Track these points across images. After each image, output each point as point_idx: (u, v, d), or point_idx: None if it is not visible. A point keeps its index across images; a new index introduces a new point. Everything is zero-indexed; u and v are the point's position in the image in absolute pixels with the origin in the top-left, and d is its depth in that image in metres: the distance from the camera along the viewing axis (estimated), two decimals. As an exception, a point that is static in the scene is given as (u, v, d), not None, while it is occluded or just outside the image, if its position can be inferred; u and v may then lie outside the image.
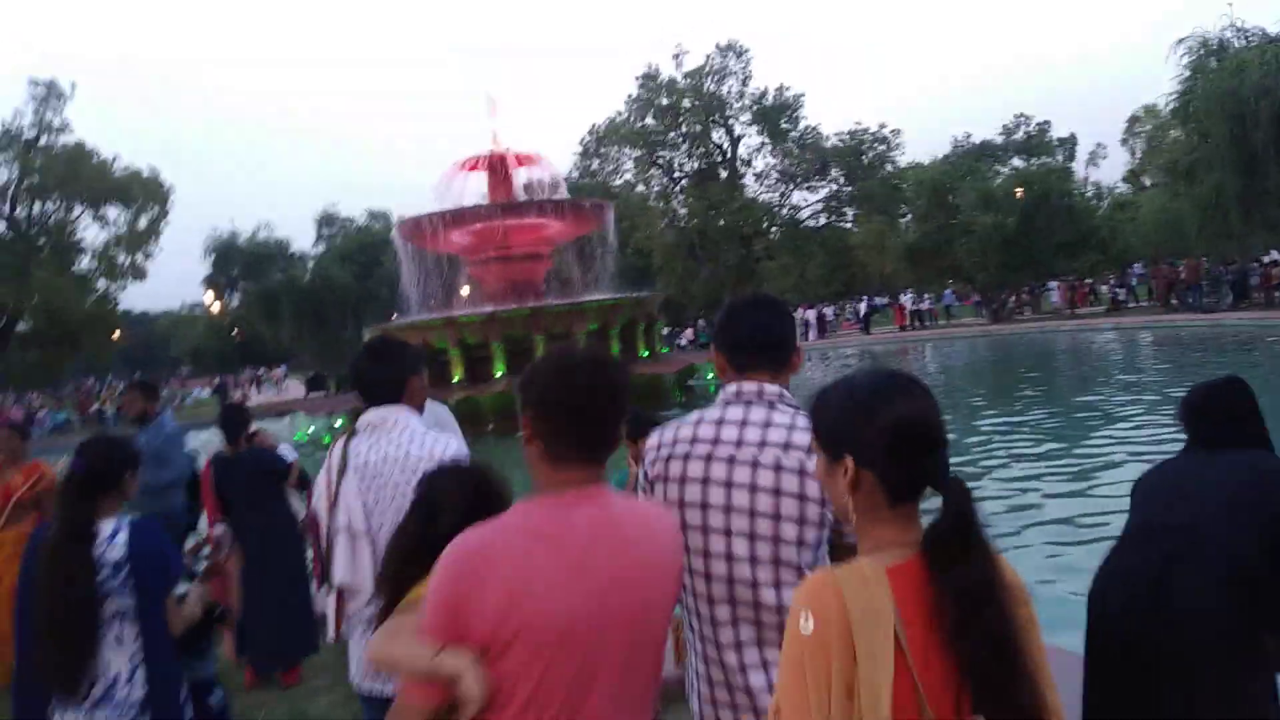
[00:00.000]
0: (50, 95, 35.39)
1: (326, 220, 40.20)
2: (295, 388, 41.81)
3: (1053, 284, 35.95)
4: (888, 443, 1.32)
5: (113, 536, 2.72)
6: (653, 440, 2.04)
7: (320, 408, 22.11)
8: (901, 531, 1.34)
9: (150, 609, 2.75)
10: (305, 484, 5.67)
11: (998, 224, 31.13)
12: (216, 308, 40.52)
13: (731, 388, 2.00)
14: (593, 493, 1.58)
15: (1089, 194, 39.13)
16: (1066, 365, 20.61)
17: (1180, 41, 24.00)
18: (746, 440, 1.93)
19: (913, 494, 1.35)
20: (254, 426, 5.64)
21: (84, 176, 35.44)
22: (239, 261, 37.04)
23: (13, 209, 36.00)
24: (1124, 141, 58.68)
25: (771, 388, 1.98)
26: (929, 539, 1.31)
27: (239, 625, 5.44)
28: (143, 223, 37.37)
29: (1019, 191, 32.66)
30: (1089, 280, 35.77)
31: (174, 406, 39.08)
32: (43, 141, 35.70)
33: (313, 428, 20.05)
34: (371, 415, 2.74)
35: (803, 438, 1.88)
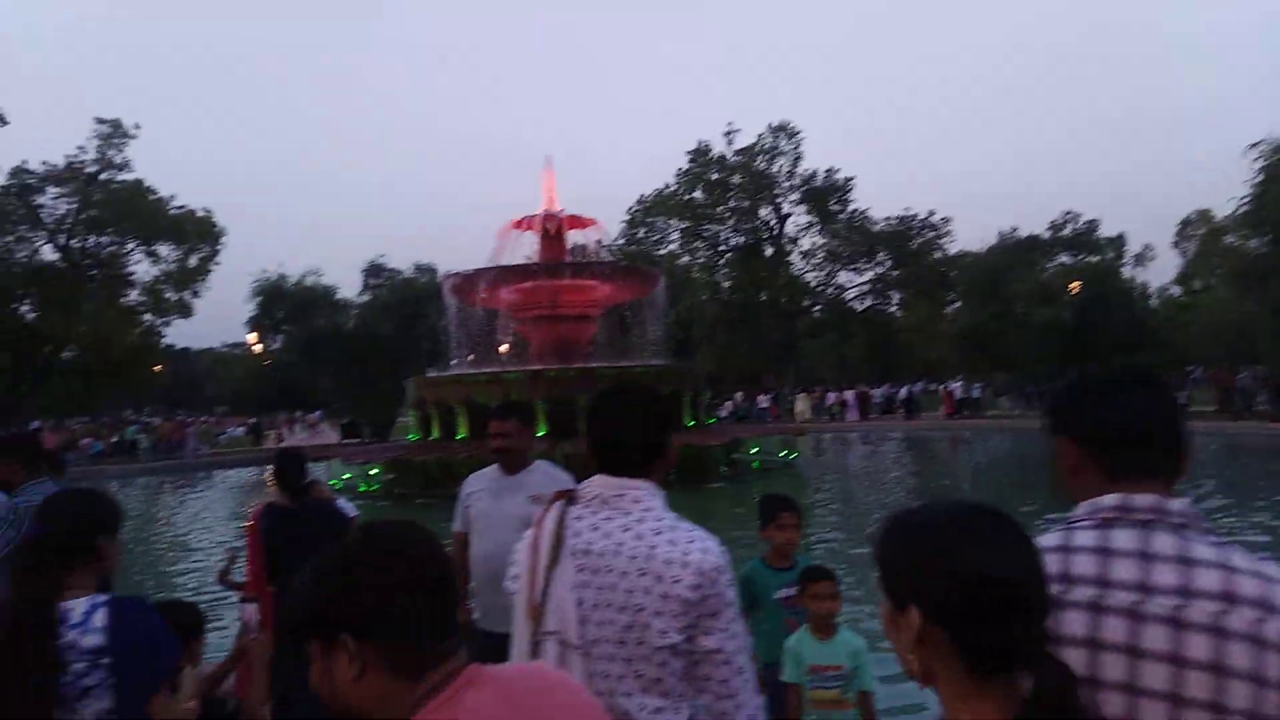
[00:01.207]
0: (115, 133, 36.16)
1: (373, 270, 40.43)
2: (329, 433, 41.64)
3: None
4: (964, 600, 1.05)
5: (86, 619, 2.10)
6: None
7: (357, 455, 21.74)
8: (999, 713, 1.06)
9: (136, 710, 2.09)
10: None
11: (1054, 317, 30.58)
12: (258, 349, 40.62)
13: (1109, 500, 1.40)
14: (473, 675, 1.26)
15: (1140, 293, 38.55)
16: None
17: (1253, 146, 23.62)
18: (1157, 584, 1.31)
19: (997, 666, 1.06)
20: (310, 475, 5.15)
21: (140, 213, 35.96)
22: (285, 305, 37.18)
23: (68, 240, 36.53)
24: (1175, 244, 58.33)
25: (1178, 503, 1.39)
26: None
27: (277, 714, 4.87)
28: (193, 261, 37.71)
29: (1075, 285, 32.15)
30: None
31: (209, 443, 39.07)
32: (103, 177, 36.36)
33: (348, 475, 19.72)
34: (603, 483, 2.06)
35: (1256, 586, 1.29)
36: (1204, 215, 54.16)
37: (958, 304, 42.68)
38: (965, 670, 1.07)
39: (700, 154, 48.60)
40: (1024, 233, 46.12)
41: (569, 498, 2.11)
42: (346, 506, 5.06)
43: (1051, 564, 1.35)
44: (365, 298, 39.62)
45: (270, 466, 5.23)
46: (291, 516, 4.79)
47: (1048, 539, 1.42)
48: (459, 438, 18.56)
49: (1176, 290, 54.28)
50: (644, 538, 1.95)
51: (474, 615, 4.08)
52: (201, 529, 15.26)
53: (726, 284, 48.67)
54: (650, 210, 50.12)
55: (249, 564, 5.10)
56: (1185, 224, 56.90)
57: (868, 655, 3.38)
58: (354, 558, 1.26)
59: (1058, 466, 1.50)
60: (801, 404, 39.86)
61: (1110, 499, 1.40)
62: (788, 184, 48.70)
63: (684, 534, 1.97)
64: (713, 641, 1.89)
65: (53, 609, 2.09)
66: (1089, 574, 1.35)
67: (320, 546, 4.29)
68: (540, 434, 18.10)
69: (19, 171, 35.10)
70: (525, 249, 24.82)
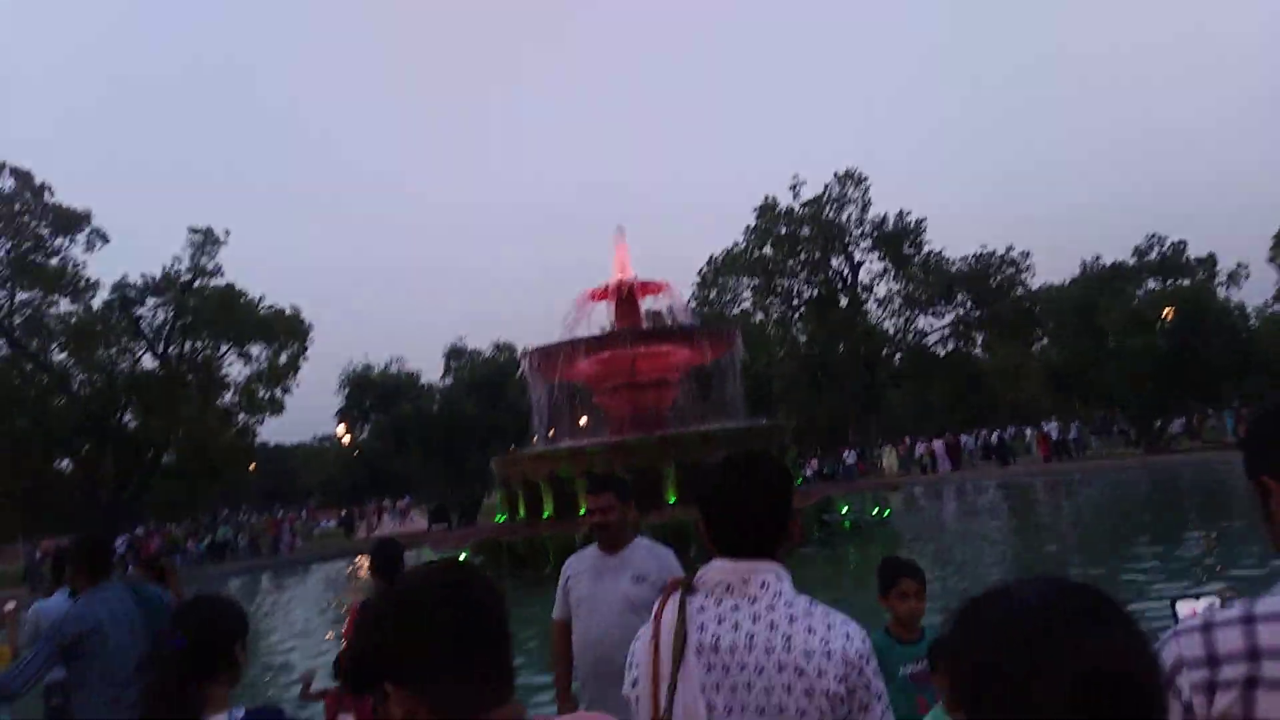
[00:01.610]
0: (207, 241, 38.01)
1: (454, 353, 41.27)
2: (418, 519, 42.11)
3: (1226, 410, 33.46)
4: (1069, 706, 0.82)
5: None
6: (1192, 648, 1.16)
7: (446, 540, 21.82)
8: None
9: None
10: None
11: (1148, 345, 29.32)
12: (347, 439, 41.59)
13: None
14: None
15: (1239, 314, 36.77)
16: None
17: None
18: None
19: None
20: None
21: (232, 316, 37.53)
22: (371, 394, 38.08)
23: (166, 348, 38.26)
24: (1271, 259, 55.79)
25: None
26: None
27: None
28: (283, 358, 39.02)
29: (1169, 311, 30.84)
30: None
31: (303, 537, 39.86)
32: (197, 284, 38.13)
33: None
34: (726, 568, 1.86)
35: None
36: (1299, 228, 51.83)
37: (1045, 340, 41.38)
38: None
39: (768, 209, 48.63)
40: (1107, 260, 44.80)
41: (687, 586, 1.91)
42: (442, 598, 4.95)
43: (1277, 635, 1.12)
44: (448, 380, 40.36)
45: (362, 558, 5.16)
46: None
47: (1267, 603, 1.17)
48: (545, 515, 18.49)
49: (1278, 308, 51.82)
50: (778, 627, 1.75)
51: (582, 706, 3.86)
52: (296, 630, 15.27)
53: (803, 338, 48.19)
54: (721, 270, 50.18)
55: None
56: (1280, 236, 54.51)
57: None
58: (392, 609, 1.25)
59: (1266, 513, 1.28)
60: (889, 457, 38.90)
61: None
62: (858, 231, 48.31)
63: (822, 619, 1.78)
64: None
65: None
66: None
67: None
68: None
69: (120, 286, 37.12)
70: (601, 319, 25.03)
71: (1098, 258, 45.15)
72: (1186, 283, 37.22)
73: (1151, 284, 39.14)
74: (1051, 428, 35.71)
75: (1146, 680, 0.87)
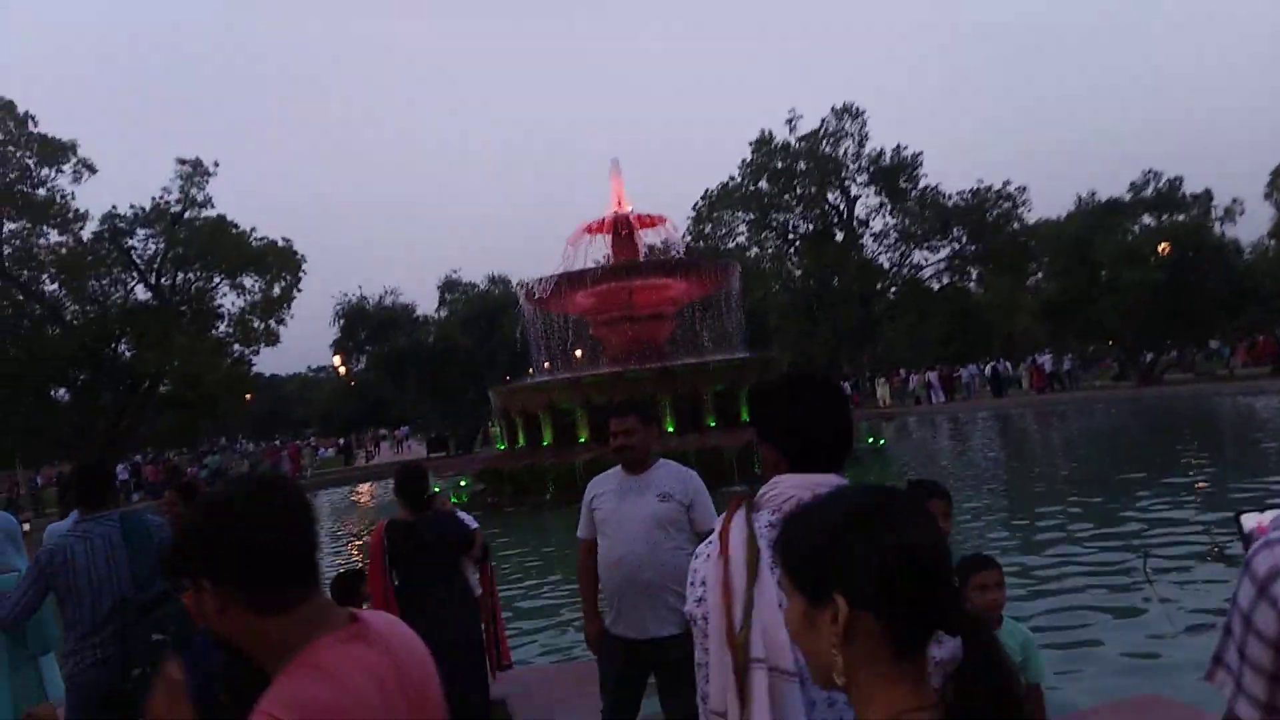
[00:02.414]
0: (196, 172, 37.40)
1: (449, 286, 41.14)
2: (416, 448, 42.48)
3: (1213, 343, 33.75)
4: (895, 575, 1.02)
5: None
6: (1267, 563, 1.17)
7: (446, 468, 22.09)
8: (917, 692, 1.03)
9: None
10: (485, 557, 5.17)
11: (1143, 280, 29.41)
12: (343, 371, 41.70)
13: None
14: (362, 630, 1.35)
15: (1234, 249, 36.85)
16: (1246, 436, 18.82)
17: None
18: None
19: (923, 641, 1.05)
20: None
21: (224, 248, 37.04)
22: (366, 326, 38.01)
23: (158, 279, 37.91)
24: (1268, 195, 55.64)
25: None
26: (957, 696, 1.03)
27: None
28: (276, 290, 38.72)
29: (1165, 246, 30.85)
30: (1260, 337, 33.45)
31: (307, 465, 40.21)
32: (187, 215, 37.61)
33: (437, 488, 20.00)
34: (798, 483, 1.81)
35: None
36: (1297, 163, 51.64)
37: (1039, 275, 41.49)
38: (890, 654, 1.03)
39: (763, 143, 48.12)
40: (1103, 196, 44.59)
41: (749, 503, 1.88)
42: (467, 518, 5.07)
43: None
44: (443, 313, 40.30)
45: (364, 485, 5.27)
46: (412, 530, 4.82)
47: None
48: (544, 444, 18.68)
49: (1273, 243, 51.92)
50: None
51: (608, 622, 3.96)
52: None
53: (798, 272, 48.15)
54: (716, 204, 49.82)
55: (371, 581, 5.13)
56: (1277, 174, 54.30)
57: (1036, 646, 3.20)
58: (214, 511, 1.35)
59: None
60: (882, 389, 39.26)
61: None
62: (854, 166, 47.93)
63: None
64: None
65: None
66: None
67: (444, 558, 4.16)
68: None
69: (110, 217, 36.62)
70: (597, 252, 24.92)
71: (1093, 193, 44.93)
72: (1182, 218, 37.16)
73: (1147, 219, 39.08)
74: (1044, 360, 35.99)
75: (949, 556, 1.07)
